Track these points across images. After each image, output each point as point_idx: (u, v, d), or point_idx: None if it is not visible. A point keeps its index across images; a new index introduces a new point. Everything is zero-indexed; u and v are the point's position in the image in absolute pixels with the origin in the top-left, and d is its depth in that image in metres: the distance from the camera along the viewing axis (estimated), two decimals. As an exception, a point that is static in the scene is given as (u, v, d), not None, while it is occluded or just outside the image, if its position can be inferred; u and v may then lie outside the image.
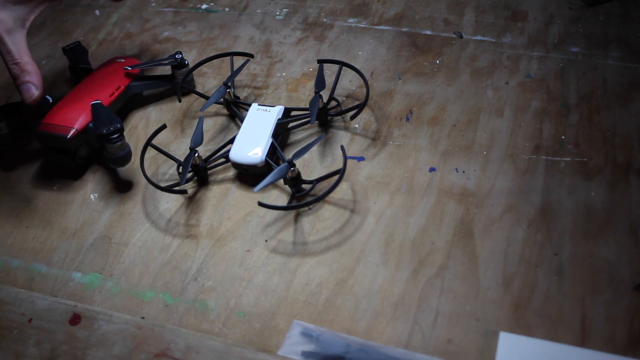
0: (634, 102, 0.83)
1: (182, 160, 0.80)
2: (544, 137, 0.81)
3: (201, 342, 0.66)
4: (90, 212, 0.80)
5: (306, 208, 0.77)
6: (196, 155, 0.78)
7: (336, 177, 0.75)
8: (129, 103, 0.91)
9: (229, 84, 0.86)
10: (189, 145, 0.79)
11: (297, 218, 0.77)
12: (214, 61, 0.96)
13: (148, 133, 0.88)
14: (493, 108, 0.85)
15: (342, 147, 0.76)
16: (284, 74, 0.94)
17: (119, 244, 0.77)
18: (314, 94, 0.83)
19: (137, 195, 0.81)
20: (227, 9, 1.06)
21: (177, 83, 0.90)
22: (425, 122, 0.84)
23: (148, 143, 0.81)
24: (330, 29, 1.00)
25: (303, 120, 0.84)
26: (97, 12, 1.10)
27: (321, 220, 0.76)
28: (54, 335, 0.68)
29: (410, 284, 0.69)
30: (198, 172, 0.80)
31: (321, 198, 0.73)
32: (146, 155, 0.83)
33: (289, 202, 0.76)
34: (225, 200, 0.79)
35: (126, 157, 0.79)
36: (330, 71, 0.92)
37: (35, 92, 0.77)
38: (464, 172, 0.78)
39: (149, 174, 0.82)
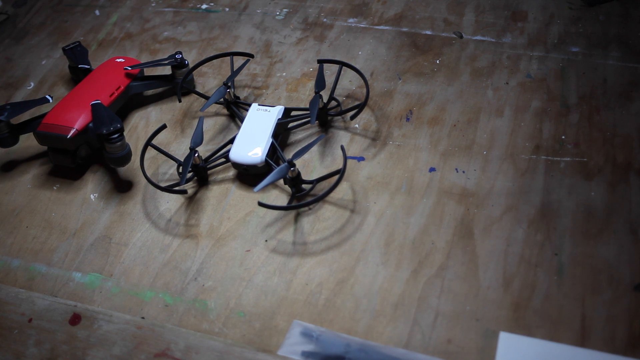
0: (634, 102, 0.83)
1: (182, 160, 0.80)
2: (544, 137, 0.81)
3: (201, 342, 0.66)
4: (90, 212, 0.80)
5: (306, 208, 0.77)
6: (196, 155, 0.78)
7: (336, 177, 0.75)
8: (129, 103, 0.91)
9: (229, 84, 0.86)
10: (189, 145, 0.79)
11: (297, 218, 0.76)
12: (214, 61, 0.97)
13: (148, 133, 0.88)
14: (493, 108, 0.85)
15: (342, 147, 0.76)
16: (284, 74, 0.94)
17: (119, 244, 0.77)
18: (314, 94, 0.83)
19: (137, 195, 0.81)
20: (227, 9, 1.06)
21: (177, 83, 0.90)
22: (425, 122, 0.84)
23: (148, 143, 0.81)
24: (330, 29, 1.00)
25: (303, 120, 0.84)
26: (97, 12, 1.10)
27: (321, 220, 0.76)
28: (54, 335, 0.68)
29: (410, 284, 0.69)
30: (198, 172, 0.80)
31: (321, 198, 0.73)
32: (146, 155, 0.83)
33: (289, 202, 0.76)
34: (225, 200, 0.79)
35: (126, 157, 0.79)
36: (330, 71, 0.92)
37: None
38: (464, 172, 0.78)
39: (149, 174, 0.82)
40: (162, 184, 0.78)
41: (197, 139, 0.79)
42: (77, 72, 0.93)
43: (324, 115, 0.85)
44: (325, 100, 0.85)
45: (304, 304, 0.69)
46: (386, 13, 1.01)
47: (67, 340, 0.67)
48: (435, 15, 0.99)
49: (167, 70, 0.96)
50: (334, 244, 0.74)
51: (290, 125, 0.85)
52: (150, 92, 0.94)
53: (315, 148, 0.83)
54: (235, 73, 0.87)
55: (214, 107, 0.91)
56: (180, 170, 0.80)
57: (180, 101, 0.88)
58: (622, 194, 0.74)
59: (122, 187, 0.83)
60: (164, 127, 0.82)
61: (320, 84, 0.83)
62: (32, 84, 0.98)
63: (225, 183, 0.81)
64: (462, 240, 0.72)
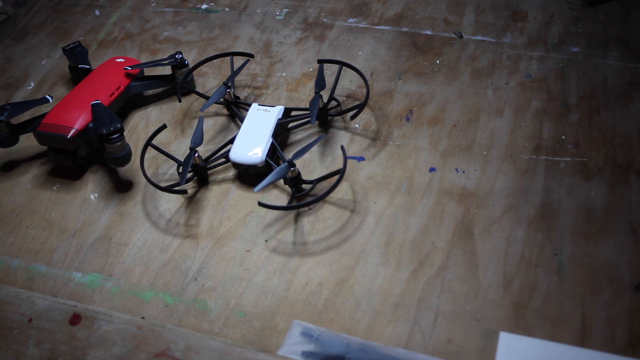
0: (634, 102, 0.83)
1: (182, 160, 0.80)
2: (544, 137, 0.81)
3: (201, 342, 0.66)
4: (90, 212, 0.80)
5: (306, 208, 0.77)
6: (196, 155, 0.78)
7: (336, 177, 0.75)
8: (129, 103, 0.91)
9: (229, 84, 0.86)
10: (189, 145, 0.79)
11: (297, 218, 0.76)
12: (214, 61, 0.97)
13: (148, 133, 0.88)
14: (493, 108, 0.85)
15: (342, 147, 0.76)
16: (284, 74, 0.94)
17: (119, 244, 0.77)
18: (314, 94, 0.83)
19: (137, 195, 0.81)
20: (227, 9, 1.06)
21: (177, 83, 0.90)
22: (425, 122, 0.84)
23: (148, 143, 0.81)
24: (330, 29, 1.00)
25: (303, 120, 0.84)
26: (97, 12, 1.10)
27: (321, 220, 0.76)
28: (54, 335, 0.68)
29: (410, 284, 0.69)
30: (198, 172, 0.80)
31: (321, 198, 0.73)
32: (146, 155, 0.83)
33: (289, 202, 0.76)
34: (225, 200, 0.79)
35: (126, 157, 0.79)
36: (330, 71, 0.92)
37: None
38: (464, 172, 0.78)
39: (149, 174, 0.82)
40: (162, 184, 0.78)
41: (197, 139, 0.79)
42: (77, 72, 0.93)
43: (324, 115, 0.85)
44: (325, 100, 0.85)
45: (304, 304, 0.69)
46: (386, 13, 1.01)
47: (67, 340, 0.67)
48: (435, 15, 0.99)
49: (167, 70, 0.96)
50: (334, 244, 0.74)
51: (290, 125, 0.85)
52: (150, 92, 0.94)
53: (315, 148, 0.83)
54: (235, 73, 0.87)
55: (214, 107, 0.91)
56: (180, 170, 0.80)
57: (180, 101, 0.88)
58: (622, 194, 0.74)
59: (122, 187, 0.83)
60: (164, 127, 0.82)
61: (320, 84, 0.83)
62: (32, 84, 0.98)
63: (225, 183, 0.81)
64: (462, 240, 0.72)
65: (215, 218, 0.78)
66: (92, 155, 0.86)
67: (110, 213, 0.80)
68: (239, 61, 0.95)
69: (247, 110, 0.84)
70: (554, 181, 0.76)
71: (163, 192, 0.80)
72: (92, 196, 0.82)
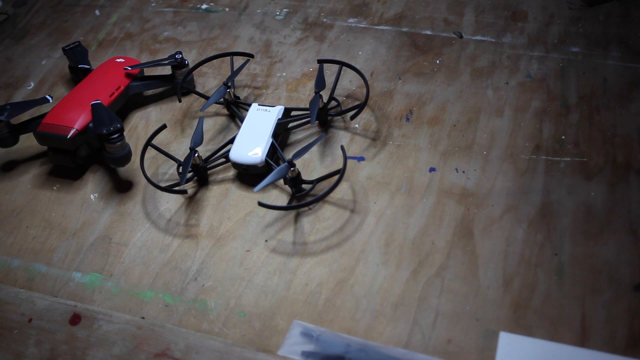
0: (634, 102, 0.83)
1: (182, 160, 0.80)
2: (544, 137, 0.81)
3: (201, 342, 0.66)
4: (90, 212, 0.80)
5: (306, 208, 0.77)
6: (196, 155, 0.78)
7: (336, 177, 0.75)
8: (129, 103, 0.91)
9: (229, 84, 0.86)
10: (189, 145, 0.79)
11: (297, 218, 0.76)
12: (214, 61, 0.97)
13: (148, 133, 0.88)
14: (493, 108, 0.85)
15: (342, 147, 0.76)
16: (284, 74, 0.94)
17: (119, 244, 0.77)
18: (314, 94, 0.83)
19: (137, 195, 0.81)
20: (227, 9, 1.06)
21: (177, 83, 0.91)
22: (425, 122, 0.84)
23: (148, 143, 0.81)
24: (330, 29, 1.00)
25: (303, 120, 0.84)
26: (97, 12, 1.10)
27: (321, 220, 0.76)
28: (54, 335, 0.68)
29: (410, 284, 0.69)
30: (198, 172, 0.80)
31: (321, 198, 0.73)
32: (146, 155, 0.83)
33: (289, 202, 0.76)
34: (225, 200, 0.79)
35: (126, 157, 0.79)
36: (330, 71, 0.92)
37: None
38: (464, 172, 0.78)
39: (149, 174, 0.82)
40: (162, 184, 0.78)
41: (197, 139, 0.79)
42: (77, 72, 0.93)
43: (324, 115, 0.85)
44: (325, 100, 0.85)
45: (304, 304, 0.69)
46: (386, 13, 1.01)
47: (67, 340, 0.67)
48: (435, 15, 0.99)
49: (167, 70, 0.96)
50: (334, 244, 0.74)
51: (290, 125, 0.85)
52: (150, 92, 0.94)
53: (315, 148, 0.83)
54: (235, 73, 0.87)
55: (214, 107, 0.91)
56: (180, 170, 0.80)
57: (180, 101, 0.88)
58: (622, 194, 0.74)
59: (122, 187, 0.83)
60: (164, 127, 0.82)
61: (320, 84, 0.83)
62: (32, 84, 0.99)
63: (225, 183, 0.81)
64: (462, 240, 0.72)
65: (215, 218, 0.78)
66: (92, 155, 0.86)
67: (110, 213, 0.80)
68: (239, 61, 0.95)
69: (247, 110, 0.84)
70: (554, 181, 0.76)
71: (163, 192, 0.80)
72: (92, 196, 0.82)
